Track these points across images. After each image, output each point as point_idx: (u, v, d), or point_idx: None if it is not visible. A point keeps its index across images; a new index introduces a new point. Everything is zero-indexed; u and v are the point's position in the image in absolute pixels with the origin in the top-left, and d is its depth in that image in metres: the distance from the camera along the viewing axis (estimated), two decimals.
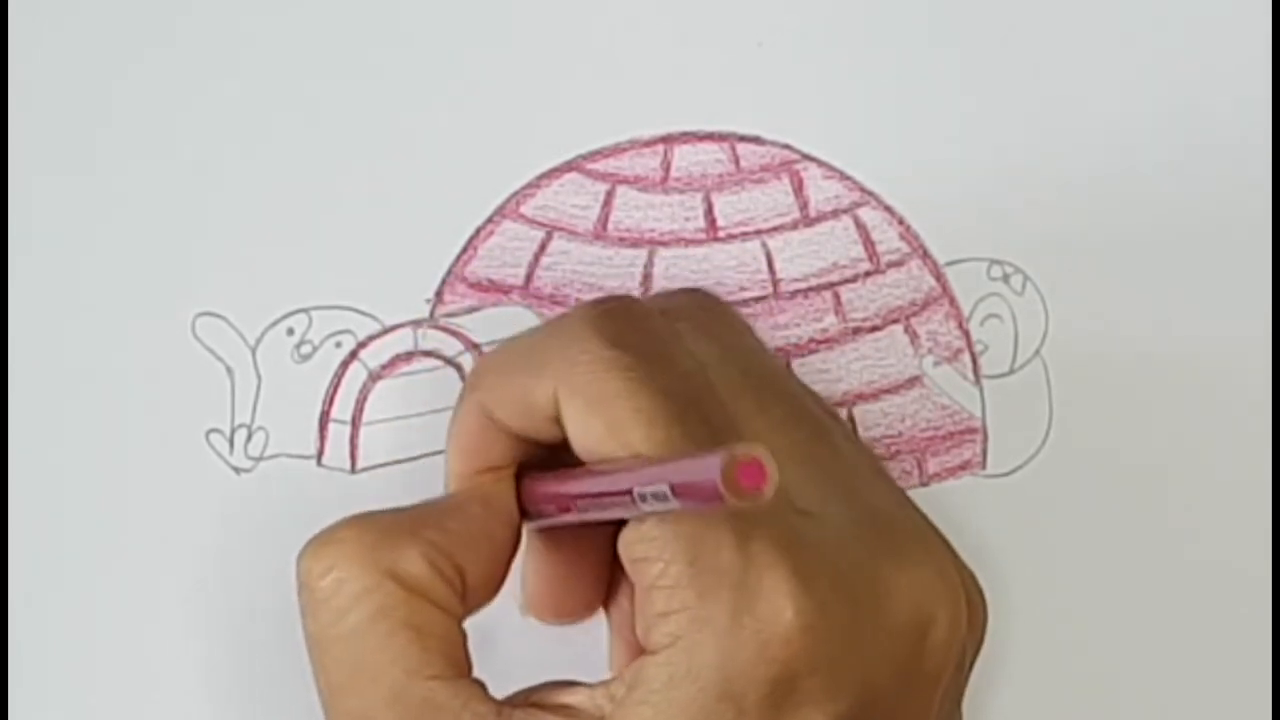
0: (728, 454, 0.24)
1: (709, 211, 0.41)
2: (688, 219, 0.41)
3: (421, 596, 0.32)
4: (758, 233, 0.41)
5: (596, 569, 0.36)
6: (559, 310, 0.41)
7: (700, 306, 0.38)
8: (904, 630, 0.32)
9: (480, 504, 0.35)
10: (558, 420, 0.33)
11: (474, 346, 0.40)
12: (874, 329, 0.41)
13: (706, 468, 0.25)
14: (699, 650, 0.30)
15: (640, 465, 0.29)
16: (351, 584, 0.32)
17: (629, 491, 0.29)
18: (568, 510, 0.33)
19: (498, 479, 0.35)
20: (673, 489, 0.27)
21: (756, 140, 0.42)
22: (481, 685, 0.32)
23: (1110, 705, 0.40)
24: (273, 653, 0.39)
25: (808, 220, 0.41)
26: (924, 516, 0.36)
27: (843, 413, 0.41)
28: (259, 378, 0.40)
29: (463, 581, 0.33)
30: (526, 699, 0.32)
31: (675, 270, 0.41)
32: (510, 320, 0.41)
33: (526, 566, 0.37)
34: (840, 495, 0.34)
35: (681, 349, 0.34)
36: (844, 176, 0.42)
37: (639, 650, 0.31)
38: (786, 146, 0.42)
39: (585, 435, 0.32)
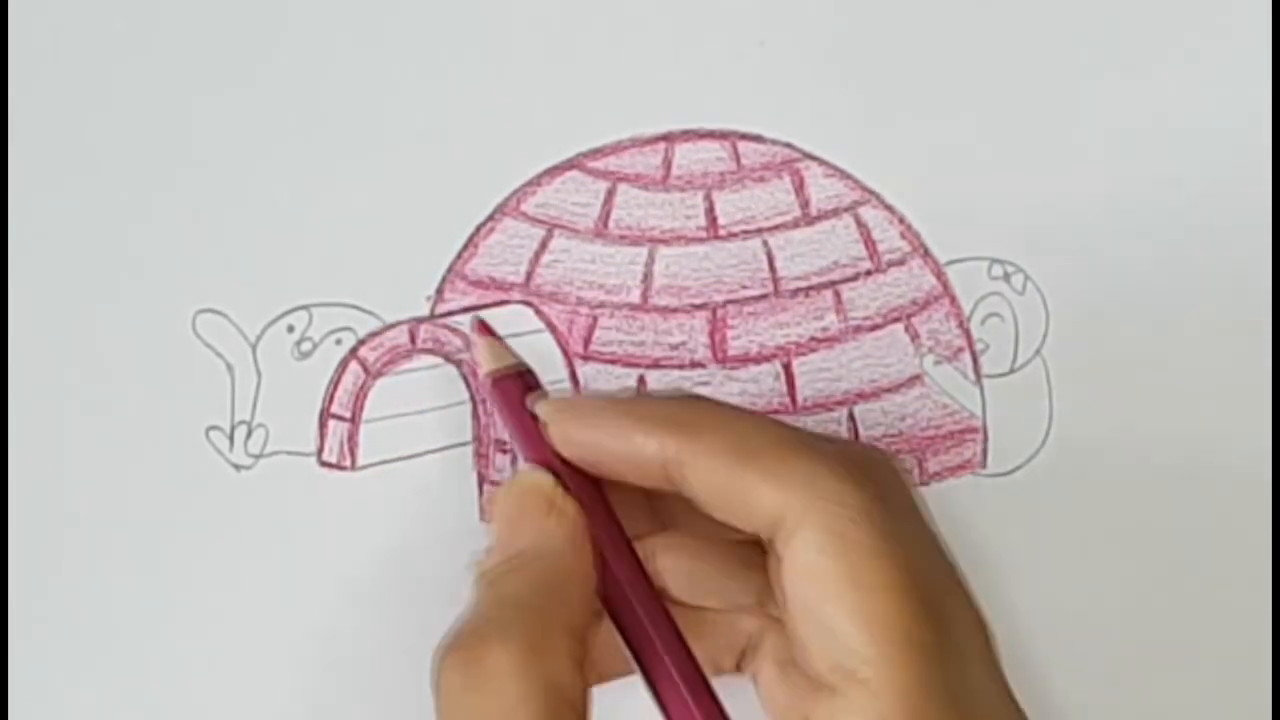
0: None
1: (710, 210, 0.41)
2: (689, 217, 0.41)
3: (568, 699, 0.32)
4: (759, 231, 0.41)
5: None
6: (560, 309, 0.41)
7: (901, 472, 0.37)
8: None
9: (574, 546, 0.35)
10: (755, 527, 0.33)
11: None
12: (875, 328, 0.41)
13: None
14: None
15: None
16: (503, 702, 0.31)
17: None
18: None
19: (574, 504, 0.35)
20: None
21: (758, 139, 0.42)
22: None
23: (1110, 705, 0.40)
24: (272, 651, 0.39)
25: (809, 219, 0.41)
26: None
27: (843, 412, 0.41)
28: (259, 375, 0.40)
29: (586, 652, 0.33)
30: None
31: (676, 269, 0.41)
32: (511, 320, 0.41)
33: None
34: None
35: (908, 515, 0.34)
36: (845, 175, 0.42)
37: None
38: (788, 145, 0.42)
39: (804, 572, 0.32)
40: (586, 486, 0.36)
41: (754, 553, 0.35)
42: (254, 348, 0.40)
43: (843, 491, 0.32)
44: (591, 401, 0.38)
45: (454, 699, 0.32)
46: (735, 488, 0.33)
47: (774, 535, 0.33)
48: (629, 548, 0.36)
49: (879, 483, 0.33)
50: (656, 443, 0.34)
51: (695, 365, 0.41)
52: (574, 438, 0.36)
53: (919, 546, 0.33)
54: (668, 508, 0.37)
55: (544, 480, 0.36)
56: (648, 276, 0.41)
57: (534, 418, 0.37)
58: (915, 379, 0.41)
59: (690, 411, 0.35)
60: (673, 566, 0.36)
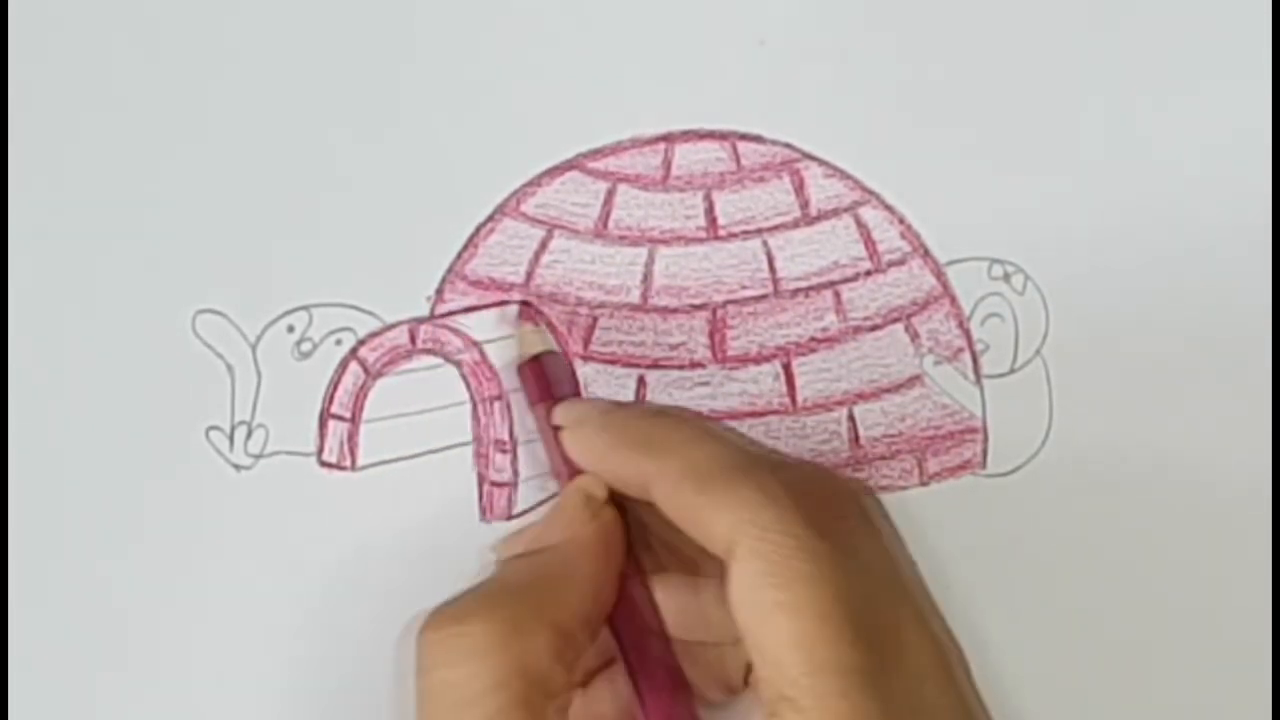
0: None
1: (710, 210, 0.41)
2: (689, 217, 0.41)
3: (543, 687, 0.32)
4: (759, 231, 0.41)
5: None
6: (560, 309, 0.41)
7: (865, 497, 0.37)
8: None
9: (591, 557, 0.35)
10: (714, 550, 0.33)
11: (474, 344, 0.40)
12: (874, 328, 0.41)
13: None
14: None
15: None
16: (478, 680, 0.32)
17: None
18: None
19: (612, 516, 0.36)
20: None
21: (757, 139, 0.42)
22: None
23: (1111, 704, 0.40)
24: (272, 650, 0.39)
25: (808, 219, 0.41)
26: None
27: (843, 412, 0.41)
28: (259, 375, 0.40)
29: (577, 653, 0.34)
30: None
31: (676, 269, 0.41)
32: (510, 319, 0.41)
33: None
34: None
35: (858, 542, 0.34)
36: (845, 175, 0.42)
37: None
38: (787, 145, 0.42)
39: (746, 599, 0.32)
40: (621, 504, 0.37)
41: None
42: (254, 348, 0.40)
43: (782, 520, 0.32)
44: (592, 414, 0.38)
45: (430, 668, 0.33)
46: (691, 513, 0.34)
47: (725, 562, 0.33)
48: (641, 570, 0.36)
49: (829, 508, 0.34)
50: (630, 463, 0.35)
51: (695, 365, 0.41)
52: (573, 450, 0.37)
53: (865, 572, 0.33)
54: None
55: (596, 487, 0.36)
56: (647, 277, 0.41)
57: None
58: (915, 379, 0.41)
59: (661, 430, 0.36)
60: (665, 600, 0.37)
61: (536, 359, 0.39)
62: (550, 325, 0.41)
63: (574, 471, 0.37)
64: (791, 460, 0.39)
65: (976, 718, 0.34)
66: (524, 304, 0.41)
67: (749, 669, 0.37)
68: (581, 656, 0.34)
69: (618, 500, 0.37)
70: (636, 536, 0.37)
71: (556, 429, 0.38)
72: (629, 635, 0.36)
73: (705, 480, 0.34)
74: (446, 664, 0.32)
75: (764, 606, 0.32)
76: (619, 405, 0.39)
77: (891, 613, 0.33)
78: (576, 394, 0.40)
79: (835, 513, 0.34)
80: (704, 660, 0.37)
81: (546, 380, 0.39)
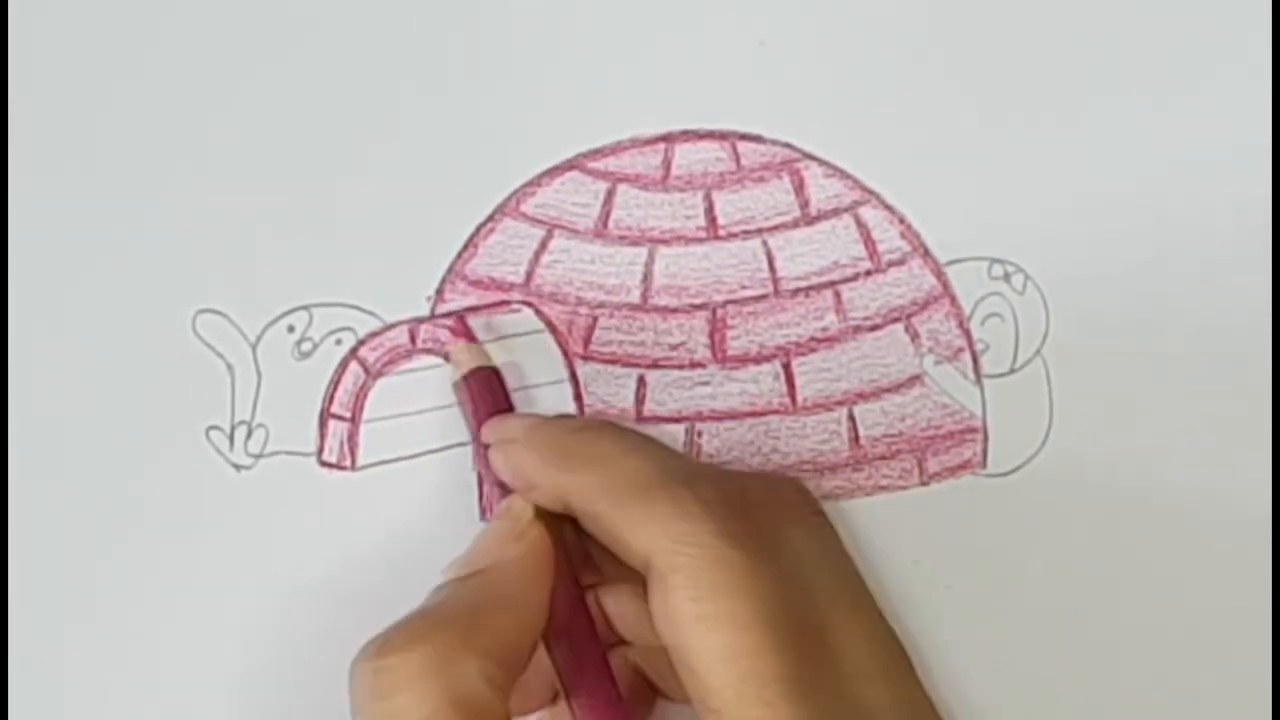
0: None
1: (710, 210, 0.41)
2: (688, 217, 0.41)
3: (478, 713, 0.32)
4: (758, 231, 0.41)
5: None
6: (560, 309, 0.41)
7: (799, 499, 0.37)
8: None
9: (519, 580, 0.35)
10: (634, 564, 0.33)
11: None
12: (874, 328, 0.41)
13: None
14: None
15: None
16: (411, 712, 0.32)
17: None
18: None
19: (539, 536, 0.35)
20: None
21: (757, 139, 0.42)
22: None
23: (1111, 704, 0.40)
24: (272, 650, 0.39)
25: (808, 219, 0.41)
26: None
27: (843, 412, 0.41)
28: (259, 375, 0.40)
29: (511, 677, 0.33)
30: None
31: (675, 269, 0.41)
32: (511, 320, 0.41)
33: None
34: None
35: (788, 547, 0.34)
36: (845, 175, 0.42)
37: None
38: (787, 145, 0.42)
39: (666, 614, 0.32)
40: (552, 522, 0.36)
41: None
42: (254, 348, 0.40)
43: (701, 533, 0.32)
44: (518, 430, 0.37)
45: (363, 704, 0.32)
46: (614, 529, 0.34)
47: (646, 577, 0.33)
48: (576, 587, 0.36)
49: (750, 516, 0.34)
50: (551, 479, 0.35)
51: (695, 365, 0.41)
52: (499, 467, 0.37)
53: (789, 577, 0.33)
54: None
55: (522, 508, 0.36)
56: (647, 276, 0.41)
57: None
58: (915, 379, 0.41)
59: (582, 444, 0.36)
60: (617, 610, 0.37)
61: (472, 375, 0.39)
62: (550, 325, 0.41)
63: (506, 490, 0.37)
64: (717, 470, 0.39)
65: (922, 714, 0.34)
66: (458, 318, 0.40)
67: None
68: (516, 679, 0.34)
69: (556, 515, 0.36)
70: (582, 548, 0.36)
71: (485, 447, 0.38)
72: (563, 653, 0.35)
73: (622, 496, 0.34)
74: (379, 696, 0.32)
75: (685, 620, 0.32)
76: (545, 420, 0.38)
77: (826, 616, 0.33)
78: (510, 410, 0.39)
79: (762, 520, 0.34)
80: (667, 663, 0.37)
81: (483, 397, 0.39)
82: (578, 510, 0.35)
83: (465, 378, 0.39)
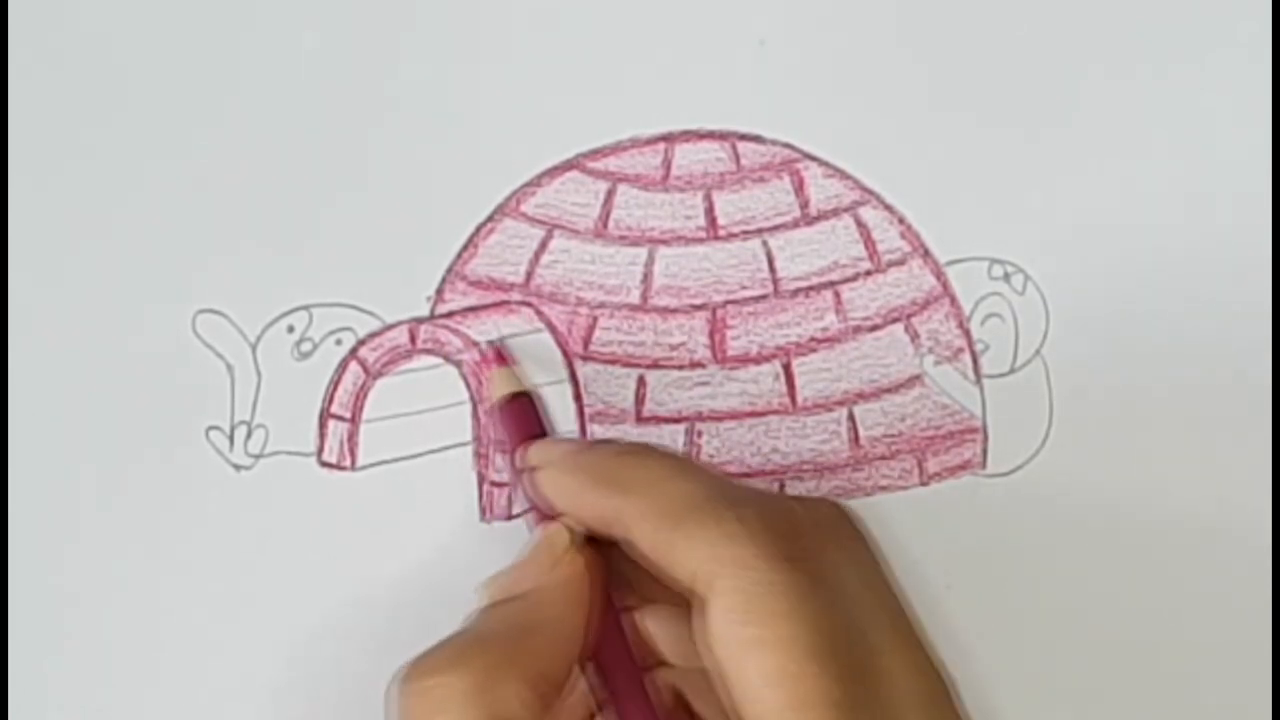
0: None
1: (710, 210, 0.41)
2: (688, 217, 0.41)
3: None
4: (758, 231, 0.41)
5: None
6: (560, 309, 0.41)
7: (841, 523, 0.37)
8: None
9: (560, 604, 0.35)
10: (687, 588, 0.33)
11: (474, 344, 0.40)
12: (874, 328, 0.41)
13: None
14: None
15: None
16: None
17: None
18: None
19: (578, 560, 0.36)
20: None
21: (757, 139, 0.42)
22: None
23: (1111, 704, 0.40)
24: (272, 650, 0.39)
25: (808, 219, 0.41)
26: None
27: (843, 412, 0.41)
28: (259, 375, 0.40)
29: (550, 701, 0.33)
30: None
31: (675, 269, 0.41)
32: (511, 320, 0.41)
33: None
34: None
35: (834, 572, 0.34)
36: (845, 175, 0.42)
37: None
38: (787, 145, 0.42)
39: (712, 637, 0.32)
40: (592, 545, 0.36)
41: None
42: (254, 348, 0.40)
43: (750, 556, 0.32)
44: (562, 454, 0.37)
45: (404, 705, 0.32)
46: (661, 551, 0.34)
47: (698, 601, 0.33)
48: (613, 611, 0.36)
49: (801, 540, 0.33)
50: (600, 503, 0.35)
51: (695, 365, 0.41)
52: (542, 491, 0.37)
53: (840, 602, 0.33)
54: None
55: (560, 534, 0.36)
56: (647, 277, 0.41)
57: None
58: (915, 379, 0.41)
59: (630, 468, 0.35)
60: (659, 632, 0.37)
61: (510, 401, 0.39)
62: (550, 325, 0.41)
63: (547, 514, 0.37)
64: (762, 493, 0.39)
65: None
66: (495, 348, 0.40)
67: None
68: (554, 703, 0.34)
69: (598, 537, 0.36)
70: (624, 570, 0.36)
71: (528, 470, 0.38)
72: (600, 676, 0.35)
73: (674, 518, 0.34)
74: (420, 716, 0.32)
75: (738, 644, 0.32)
76: (589, 444, 0.38)
77: (870, 641, 0.33)
78: (547, 434, 0.39)
79: (808, 544, 0.34)
80: (708, 686, 0.37)
81: (520, 422, 0.39)
82: (622, 534, 0.35)
83: (501, 403, 0.39)
